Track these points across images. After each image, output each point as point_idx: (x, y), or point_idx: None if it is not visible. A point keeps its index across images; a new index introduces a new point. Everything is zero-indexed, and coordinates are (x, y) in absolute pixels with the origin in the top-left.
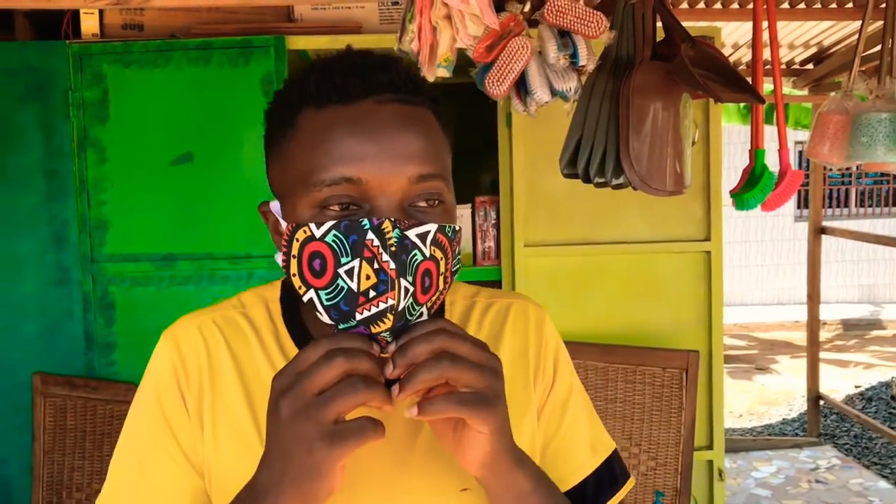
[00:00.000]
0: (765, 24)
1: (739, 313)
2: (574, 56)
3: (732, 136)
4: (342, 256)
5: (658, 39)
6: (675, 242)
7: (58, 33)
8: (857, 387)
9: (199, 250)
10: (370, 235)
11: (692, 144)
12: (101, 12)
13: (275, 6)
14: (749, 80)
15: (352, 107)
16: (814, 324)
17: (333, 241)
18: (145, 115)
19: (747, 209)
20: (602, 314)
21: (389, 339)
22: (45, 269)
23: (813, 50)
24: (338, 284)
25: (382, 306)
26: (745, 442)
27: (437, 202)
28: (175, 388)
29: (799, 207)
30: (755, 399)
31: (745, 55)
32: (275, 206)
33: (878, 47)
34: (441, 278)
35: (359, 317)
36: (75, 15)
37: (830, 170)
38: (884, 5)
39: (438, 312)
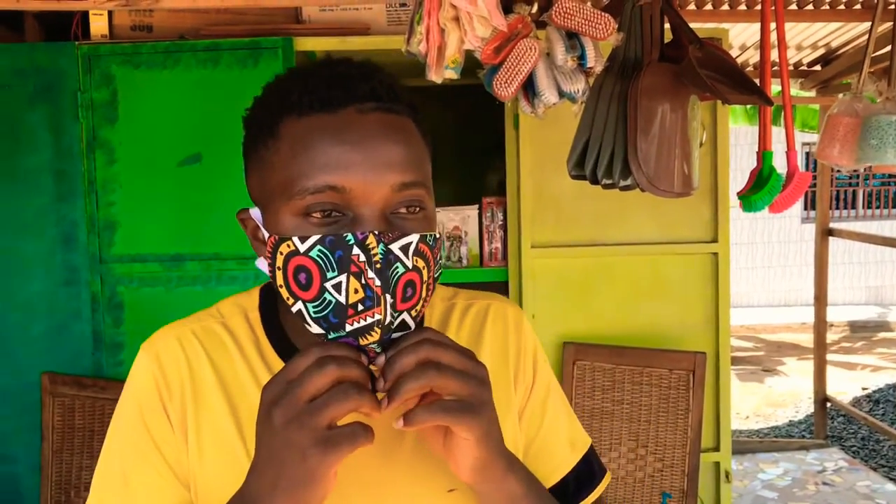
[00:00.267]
0: (773, 25)
1: (746, 315)
2: (582, 58)
3: (739, 138)
4: (328, 271)
5: (666, 41)
6: (683, 244)
7: (67, 35)
8: (864, 389)
9: (207, 251)
10: (356, 251)
11: (700, 146)
12: (110, 14)
13: (283, 7)
14: (757, 81)
15: (334, 115)
16: (821, 325)
17: (318, 256)
18: (154, 116)
19: (755, 211)
20: (609, 316)
21: (378, 351)
22: (54, 270)
23: (821, 51)
24: (325, 298)
25: (370, 320)
26: (752, 444)
27: (417, 209)
28: (157, 400)
29: (806, 209)
30: (762, 401)
31: (752, 57)
32: (255, 212)
33: (888, 48)
34: (424, 287)
35: (349, 328)
36: (84, 16)
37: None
38: (893, 6)
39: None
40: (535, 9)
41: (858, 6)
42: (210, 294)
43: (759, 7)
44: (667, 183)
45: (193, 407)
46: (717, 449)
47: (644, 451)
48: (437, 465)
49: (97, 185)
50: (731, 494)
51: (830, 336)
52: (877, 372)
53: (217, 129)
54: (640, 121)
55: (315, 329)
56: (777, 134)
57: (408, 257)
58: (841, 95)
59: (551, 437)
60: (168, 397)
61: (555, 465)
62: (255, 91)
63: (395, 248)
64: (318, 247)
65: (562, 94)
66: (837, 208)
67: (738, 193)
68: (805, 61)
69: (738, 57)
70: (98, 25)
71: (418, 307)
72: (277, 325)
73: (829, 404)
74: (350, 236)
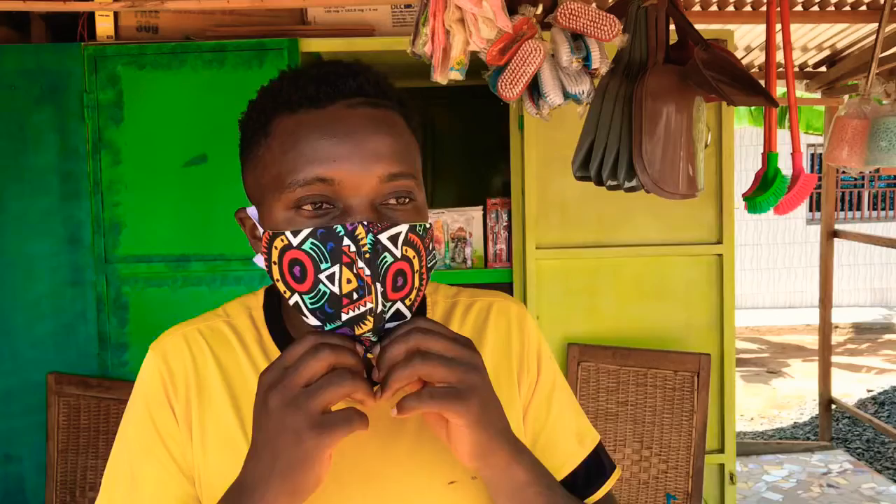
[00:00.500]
0: (778, 26)
1: (751, 316)
2: (587, 59)
3: (744, 139)
4: (321, 263)
5: (671, 42)
6: (687, 245)
7: (73, 36)
8: (869, 391)
9: (213, 251)
10: (346, 241)
11: (705, 147)
12: (115, 15)
13: (289, 9)
14: (762, 83)
15: (323, 111)
16: (826, 327)
17: (311, 248)
18: (159, 116)
19: (760, 212)
20: (613, 317)
21: (374, 340)
22: (59, 270)
23: (826, 52)
24: (320, 289)
25: (362, 309)
26: (757, 445)
27: (407, 200)
28: (164, 397)
29: (811, 210)
30: (767, 403)
31: (757, 58)
32: (252, 211)
33: (895, 49)
34: (416, 276)
35: (344, 317)
36: (90, 17)
37: (843, 173)
38: None
39: (420, 311)
40: (539, 10)
41: (864, 7)
42: (215, 294)
43: (764, 8)
44: (672, 184)
45: (198, 403)
46: (721, 451)
47: (648, 453)
48: (438, 458)
49: (103, 186)
50: (736, 496)
51: (835, 338)
52: (882, 374)
53: (222, 129)
54: (645, 122)
55: (312, 321)
56: (782, 136)
57: (397, 247)
58: (848, 97)
59: (558, 432)
60: (174, 394)
61: (562, 460)
62: None
63: (383, 238)
64: (311, 239)
65: (567, 96)
66: (843, 210)
67: (743, 195)
68: (810, 63)
69: (743, 58)
70: (104, 26)
71: (412, 296)
72: (280, 323)
73: (833, 406)
74: (340, 227)
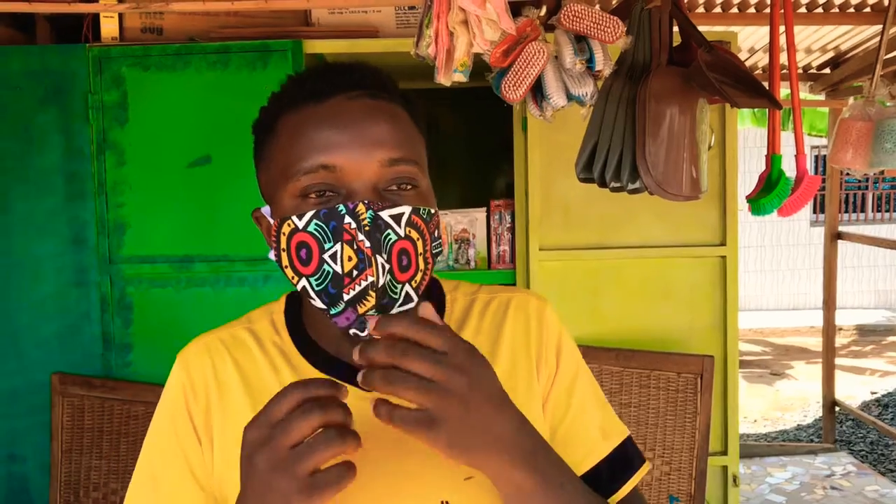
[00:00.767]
0: (782, 28)
1: (754, 318)
2: (590, 61)
3: (748, 141)
4: (325, 243)
5: (674, 44)
6: (691, 247)
7: (78, 37)
8: (873, 393)
9: (217, 252)
10: (347, 219)
11: (708, 149)
12: (120, 16)
13: (293, 10)
14: (766, 85)
15: (324, 104)
16: (829, 329)
17: (316, 229)
18: (164, 117)
19: (764, 214)
20: (617, 319)
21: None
22: (64, 271)
23: (830, 54)
24: (324, 269)
25: (364, 284)
26: (760, 447)
27: (409, 186)
28: (184, 409)
29: (815, 212)
30: (770, 404)
31: (761, 59)
32: (266, 210)
33: None
34: (421, 258)
35: (346, 297)
36: (95, 19)
37: (847, 175)
38: None
39: (438, 310)
40: (543, 12)
41: (868, 9)
42: (219, 295)
43: (768, 10)
44: (675, 186)
45: (220, 410)
46: (724, 453)
47: (651, 455)
48: None
49: (107, 187)
50: (739, 498)
51: (839, 340)
52: (886, 376)
53: (226, 130)
54: (648, 124)
55: (318, 303)
56: (786, 137)
57: (400, 226)
58: (852, 99)
59: (578, 425)
60: (194, 403)
61: (584, 453)
62: (265, 93)
63: (384, 215)
64: (315, 221)
65: (570, 98)
66: (847, 212)
67: (746, 197)
68: (814, 64)
69: (746, 60)
70: (108, 28)
71: (417, 278)
72: (301, 326)
73: (837, 408)
74: (342, 207)
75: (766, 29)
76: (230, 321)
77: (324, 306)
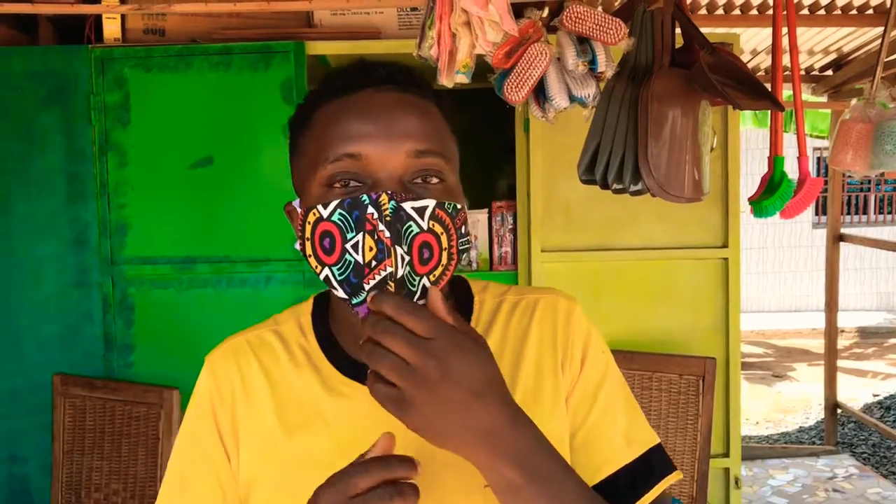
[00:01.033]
0: (784, 30)
1: (756, 320)
2: (593, 62)
3: (750, 142)
4: (348, 232)
5: (677, 46)
6: (693, 249)
7: (80, 38)
8: (875, 395)
9: (218, 253)
10: (370, 209)
11: (710, 151)
12: (123, 18)
13: (295, 12)
14: (768, 86)
15: (354, 96)
16: (831, 331)
17: (339, 219)
18: (166, 119)
19: (766, 216)
20: (618, 320)
21: None
22: (66, 271)
23: (832, 56)
24: (346, 259)
25: (383, 273)
26: (762, 450)
27: (436, 180)
28: (210, 410)
29: (817, 214)
30: (772, 406)
31: (763, 61)
32: (297, 203)
33: None
34: (445, 253)
35: (367, 286)
36: (97, 20)
37: (849, 177)
38: None
39: (466, 311)
40: (545, 14)
41: (870, 11)
42: (221, 296)
43: (770, 12)
44: (677, 188)
45: (245, 412)
46: (726, 455)
47: None
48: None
49: (109, 188)
50: (741, 500)
51: (841, 342)
52: (888, 378)
53: (228, 132)
54: (650, 126)
55: (340, 293)
56: (788, 139)
57: (423, 219)
58: (853, 101)
59: (601, 429)
60: (220, 406)
61: (604, 459)
62: (267, 94)
63: (407, 206)
64: (339, 210)
65: (572, 99)
66: (849, 214)
67: (749, 199)
68: (816, 66)
69: (749, 62)
70: (111, 29)
71: (437, 272)
72: (326, 326)
73: (839, 410)
74: (365, 196)
75: (769, 31)
76: (256, 322)
77: (346, 296)
